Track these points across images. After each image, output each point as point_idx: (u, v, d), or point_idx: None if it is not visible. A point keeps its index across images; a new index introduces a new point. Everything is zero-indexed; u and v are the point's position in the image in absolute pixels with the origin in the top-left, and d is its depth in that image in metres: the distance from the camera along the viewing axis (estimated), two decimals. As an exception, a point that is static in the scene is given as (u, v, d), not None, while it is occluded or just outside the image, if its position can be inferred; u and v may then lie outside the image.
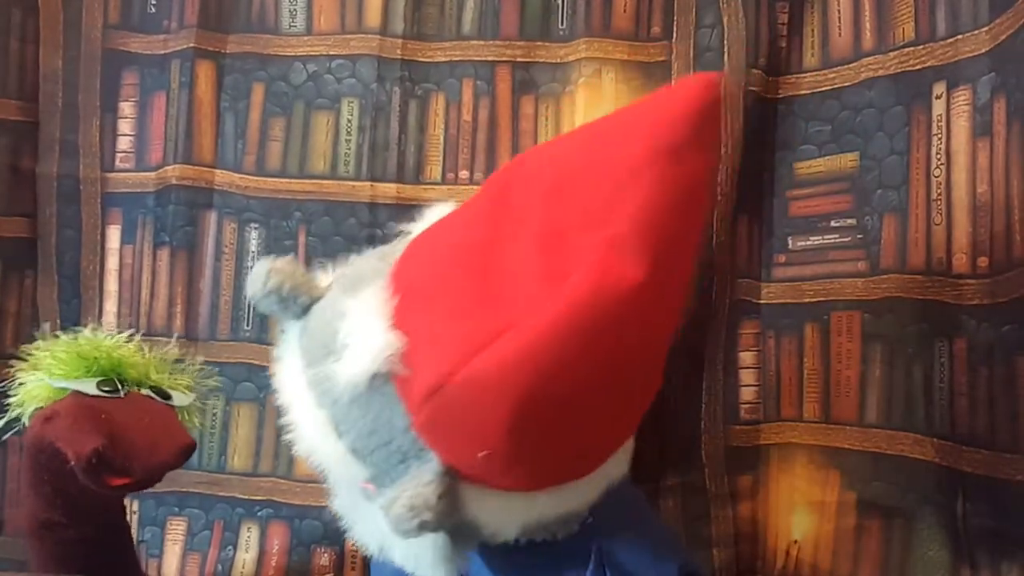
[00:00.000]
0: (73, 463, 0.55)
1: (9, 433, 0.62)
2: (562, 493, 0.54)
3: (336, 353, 0.52)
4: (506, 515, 0.54)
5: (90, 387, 0.60)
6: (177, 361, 0.71)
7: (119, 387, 0.62)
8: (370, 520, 0.56)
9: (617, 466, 0.58)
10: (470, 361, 0.46)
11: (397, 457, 0.52)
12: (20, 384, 0.62)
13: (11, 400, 0.62)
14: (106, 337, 0.65)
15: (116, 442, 0.57)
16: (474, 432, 0.49)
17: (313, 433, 0.54)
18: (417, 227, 0.61)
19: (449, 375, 0.47)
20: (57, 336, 0.65)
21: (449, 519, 0.50)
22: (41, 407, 0.60)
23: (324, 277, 0.59)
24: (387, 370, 0.49)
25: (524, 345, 0.45)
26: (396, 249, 0.58)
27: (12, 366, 0.64)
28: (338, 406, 0.52)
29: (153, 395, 0.64)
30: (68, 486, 0.58)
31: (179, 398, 0.66)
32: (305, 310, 0.56)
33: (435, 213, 0.60)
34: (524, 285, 0.47)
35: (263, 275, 0.56)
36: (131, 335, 0.67)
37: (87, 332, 0.65)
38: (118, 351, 0.64)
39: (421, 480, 0.50)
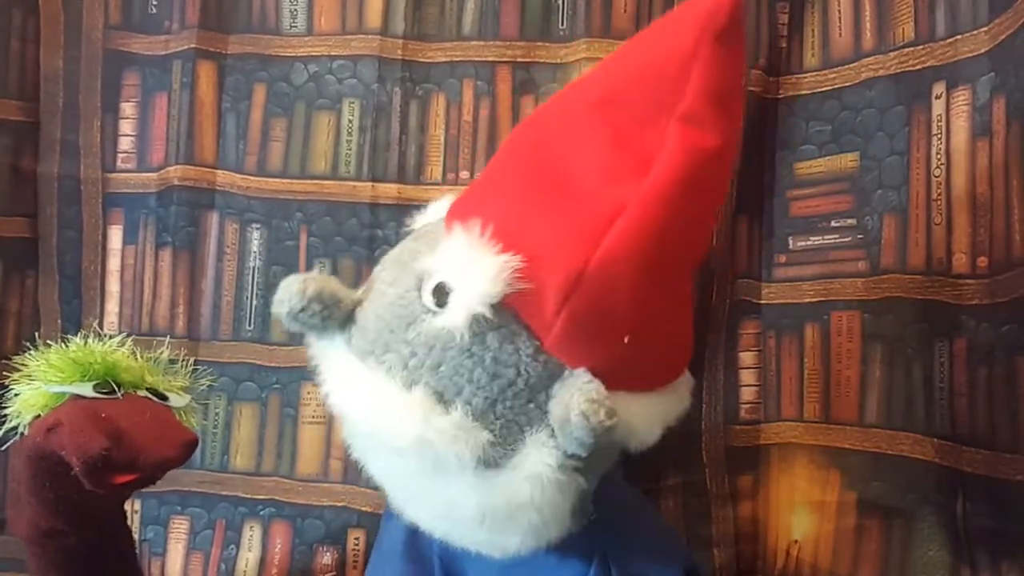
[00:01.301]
0: (78, 470, 0.54)
1: (8, 443, 0.61)
2: (673, 393, 0.56)
3: (424, 315, 0.50)
4: (648, 415, 0.53)
5: (87, 390, 0.60)
6: (171, 363, 0.70)
7: (116, 389, 0.61)
8: (483, 495, 0.51)
9: (688, 382, 0.60)
10: (599, 244, 0.47)
11: (525, 396, 0.50)
12: (15, 395, 0.61)
13: (7, 411, 0.61)
14: (98, 342, 0.64)
15: (120, 440, 0.56)
16: (617, 316, 0.49)
17: (409, 420, 0.49)
18: (422, 220, 0.61)
19: (583, 266, 0.47)
20: (48, 345, 0.63)
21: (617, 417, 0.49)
22: (39, 415, 0.59)
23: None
24: (510, 290, 0.48)
25: (643, 218, 0.47)
26: (424, 228, 0.57)
27: (11, 369, 0.63)
28: (444, 367, 0.50)
29: (150, 396, 0.63)
30: (71, 493, 0.57)
31: (176, 399, 0.65)
32: (346, 317, 0.54)
33: (440, 206, 0.60)
34: (615, 176, 0.48)
35: (298, 284, 0.52)
36: (124, 339, 0.67)
37: (77, 339, 0.64)
38: (112, 356, 0.63)
39: (579, 382, 0.48)
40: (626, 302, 0.49)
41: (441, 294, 0.50)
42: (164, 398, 0.64)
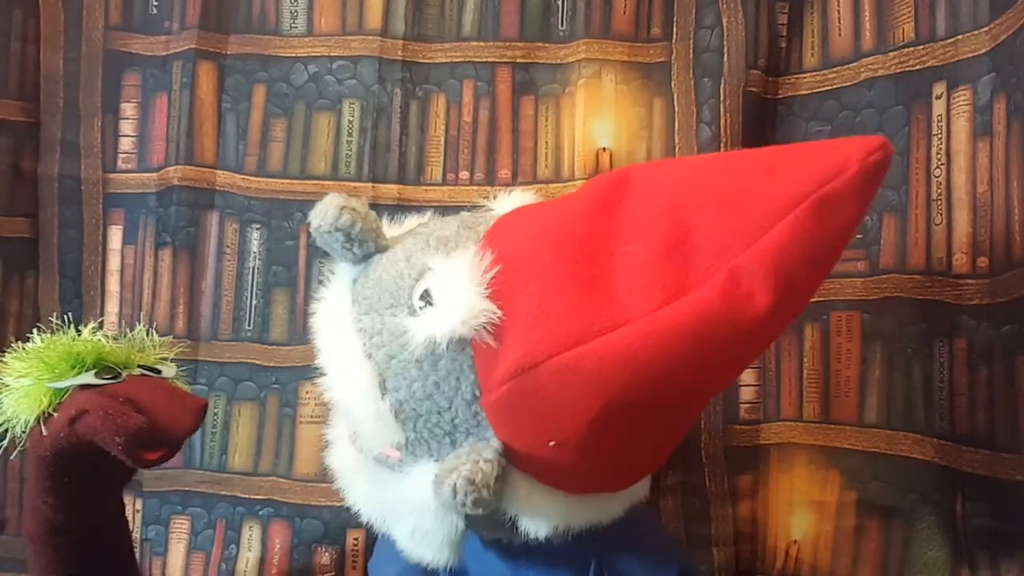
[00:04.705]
0: (121, 448, 0.55)
1: (16, 452, 0.59)
2: (595, 503, 0.55)
3: (405, 307, 0.52)
4: (543, 512, 0.52)
5: (90, 379, 0.59)
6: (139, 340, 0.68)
7: (119, 373, 0.61)
8: (377, 486, 0.55)
9: (643, 487, 0.59)
10: (575, 347, 0.46)
11: (445, 428, 0.51)
12: (5, 398, 0.59)
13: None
14: (68, 335, 0.63)
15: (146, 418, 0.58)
16: (553, 419, 0.48)
17: (352, 383, 0.52)
18: (500, 205, 0.61)
19: (548, 356, 0.46)
20: (23, 346, 0.62)
21: (497, 502, 0.49)
22: (39, 414, 0.58)
23: (388, 227, 0.59)
24: (474, 337, 0.48)
25: (634, 344, 0.45)
26: (480, 219, 0.56)
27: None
28: (395, 361, 0.51)
29: (146, 373, 0.64)
30: (92, 482, 0.59)
31: (167, 370, 0.66)
32: (366, 256, 0.56)
33: (515, 199, 0.60)
34: (641, 287, 0.46)
35: (335, 209, 0.53)
36: (96, 327, 0.65)
37: (36, 339, 0.62)
38: (95, 343, 0.62)
39: (481, 456, 0.49)
40: (567, 412, 0.47)
41: (426, 300, 0.51)
42: (157, 372, 0.65)
